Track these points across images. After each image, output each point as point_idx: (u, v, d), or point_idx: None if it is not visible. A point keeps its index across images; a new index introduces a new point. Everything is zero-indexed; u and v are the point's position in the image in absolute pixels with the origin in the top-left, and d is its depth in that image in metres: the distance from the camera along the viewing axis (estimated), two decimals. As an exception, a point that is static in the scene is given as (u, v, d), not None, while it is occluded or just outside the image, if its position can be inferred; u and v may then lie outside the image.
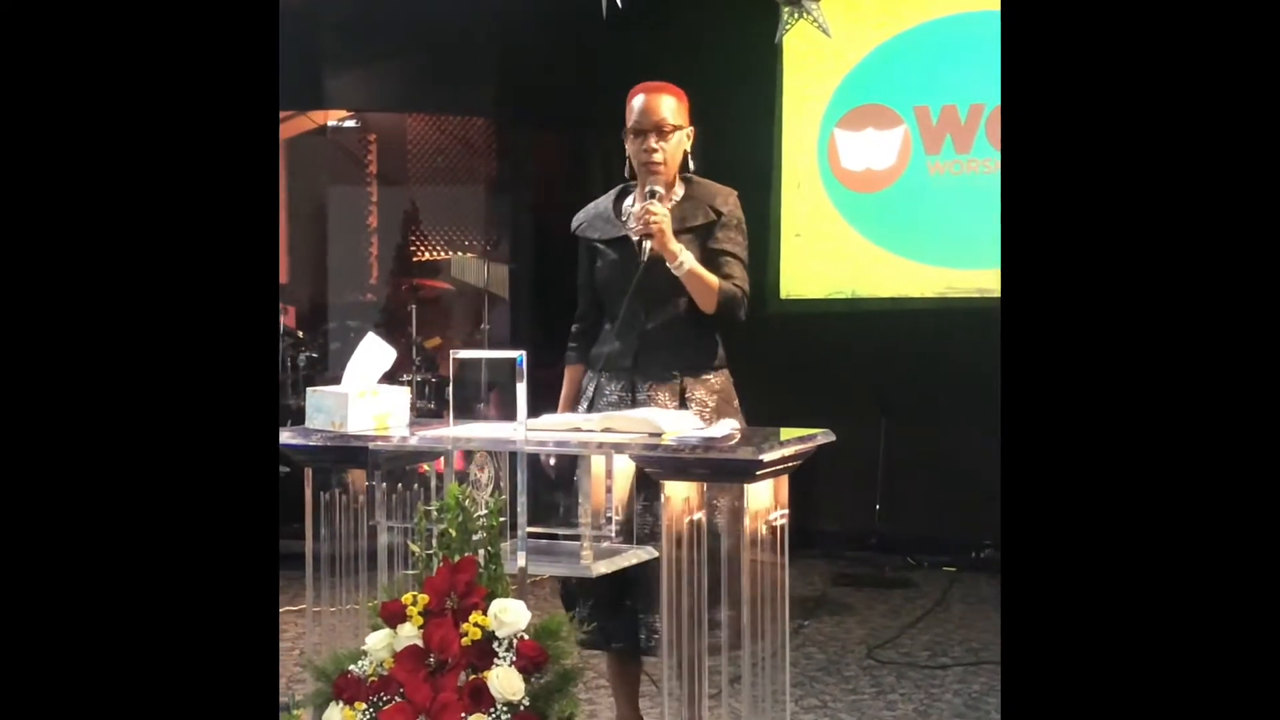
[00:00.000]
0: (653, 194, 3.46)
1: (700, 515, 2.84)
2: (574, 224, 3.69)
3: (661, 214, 3.40)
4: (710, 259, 3.49)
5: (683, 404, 3.43)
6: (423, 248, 8.62)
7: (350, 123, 8.87)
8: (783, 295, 7.17)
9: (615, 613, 3.38)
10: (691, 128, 3.56)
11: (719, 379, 3.52)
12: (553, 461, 3.32)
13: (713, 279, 3.45)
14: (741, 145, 6.82)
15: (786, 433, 3.01)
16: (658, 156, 3.49)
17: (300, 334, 7.49)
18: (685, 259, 3.41)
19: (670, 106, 3.50)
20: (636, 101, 3.52)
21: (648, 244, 3.41)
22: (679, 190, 3.57)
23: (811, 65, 7.10)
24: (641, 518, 3.24)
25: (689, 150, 3.57)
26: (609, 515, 3.04)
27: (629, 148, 3.54)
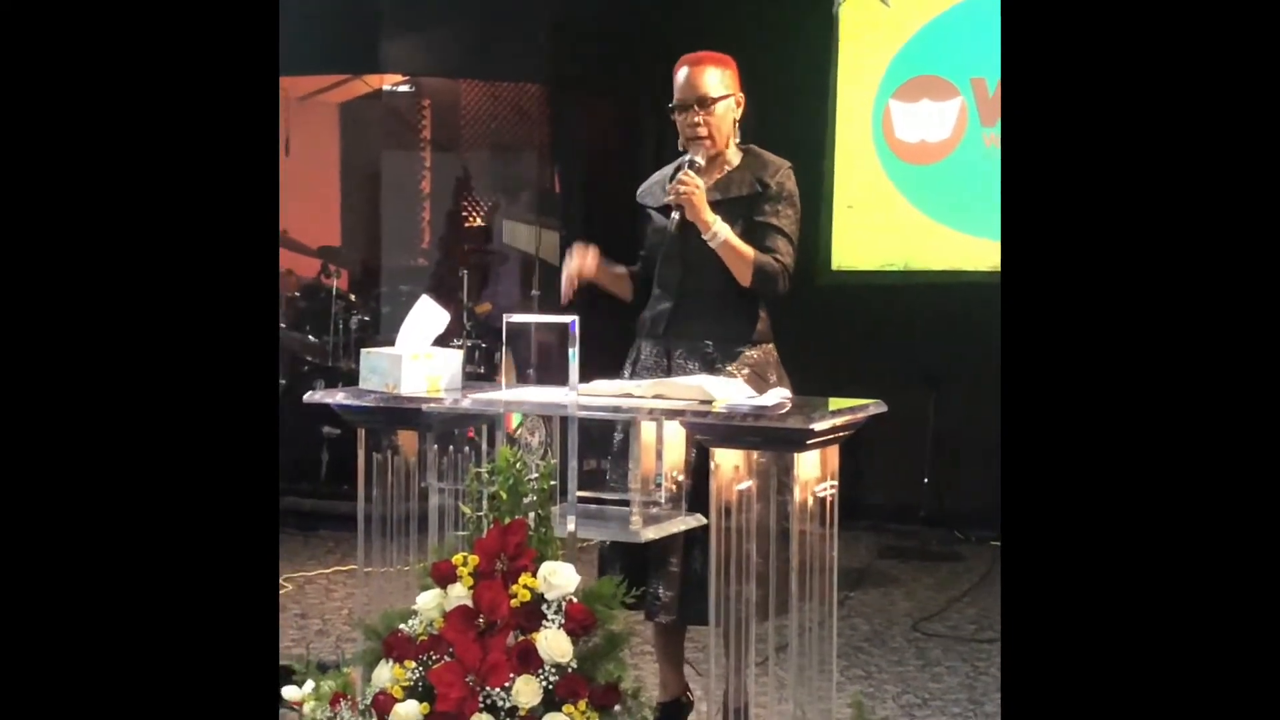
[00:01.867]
0: (692, 165, 3.47)
1: (750, 483, 2.85)
2: (639, 191, 3.72)
3: (695, 184, 3.40)
4: (754, 232, 3.48)
5: (711, 374, 3.42)
6: (474, 213, 8.65)
7: (405, 87, 8.89)
8: (834, 267, 7.15)
9: (649, 577, 3.39)
10: (740, 95, 3.55)
11: (757, 353, 3.49)
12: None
13: (748, 251, 3.43)
14: (795, 115, 6.79)
15: (837, 403, 3.01)
16: (701, 130, 3.49)
17: (353, 297, 7.54)
18: (720, 230, 3.41)
19: (714, 78, 3.49)
20: (680, 74, 3.51)
21: (677, 214, 3.42)
22: (734, 159, 3.57)
23: (868, 36, 7.06)
24: (691, 485, 3.25)
25: (737, 120, 3.56)
26: (658, 481, 3.05)
27: (677, 121, 3.54)
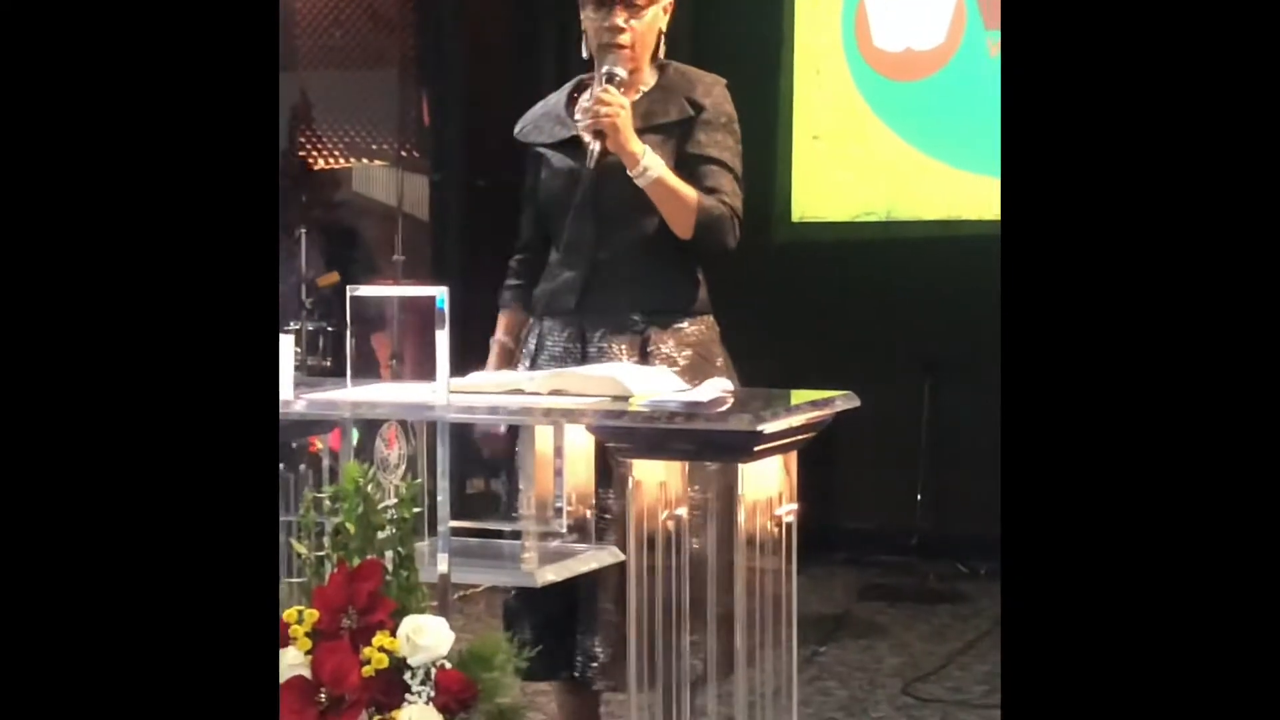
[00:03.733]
0: (611, 78, 3.46)
1: (681, 507, 2.85)
2: (517, 127, 3.71)
3: (619, 103, 3.40)
4: (688, 167, 3.49)
5: (644, 359, 3.43)
6: (316, 153, 8.59)
7: (218, -14, 8.82)
8: (795, 218, 7.19)
9: (567, 633, 3.40)
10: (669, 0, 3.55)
11: (697, 327, 3.52)
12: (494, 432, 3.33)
13: (689, 192, 3.45)
14: (742, 18, 6.81)
15: (796, 396, 3.03)
16: (624, 37, 3.48)
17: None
18: (651, 163, 3.41)
19: None
20: None
21: (597, 145, 3.41)
22: (649, 80, 3.58)
23: (834, -90, 7.10)
24: (601, 508, 3.25)
25: (663, 30, 3.55)
26: (559, 506, 3.06)
27: (586, 23, 3.53)
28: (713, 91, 3.56)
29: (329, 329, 7.01)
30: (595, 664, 3.35)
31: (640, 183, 3.42)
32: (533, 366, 3.54)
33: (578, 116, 3.54)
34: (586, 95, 3.56)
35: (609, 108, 3.39)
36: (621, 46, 3.49)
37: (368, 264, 7.84)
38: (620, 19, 3.48)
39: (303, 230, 7.19)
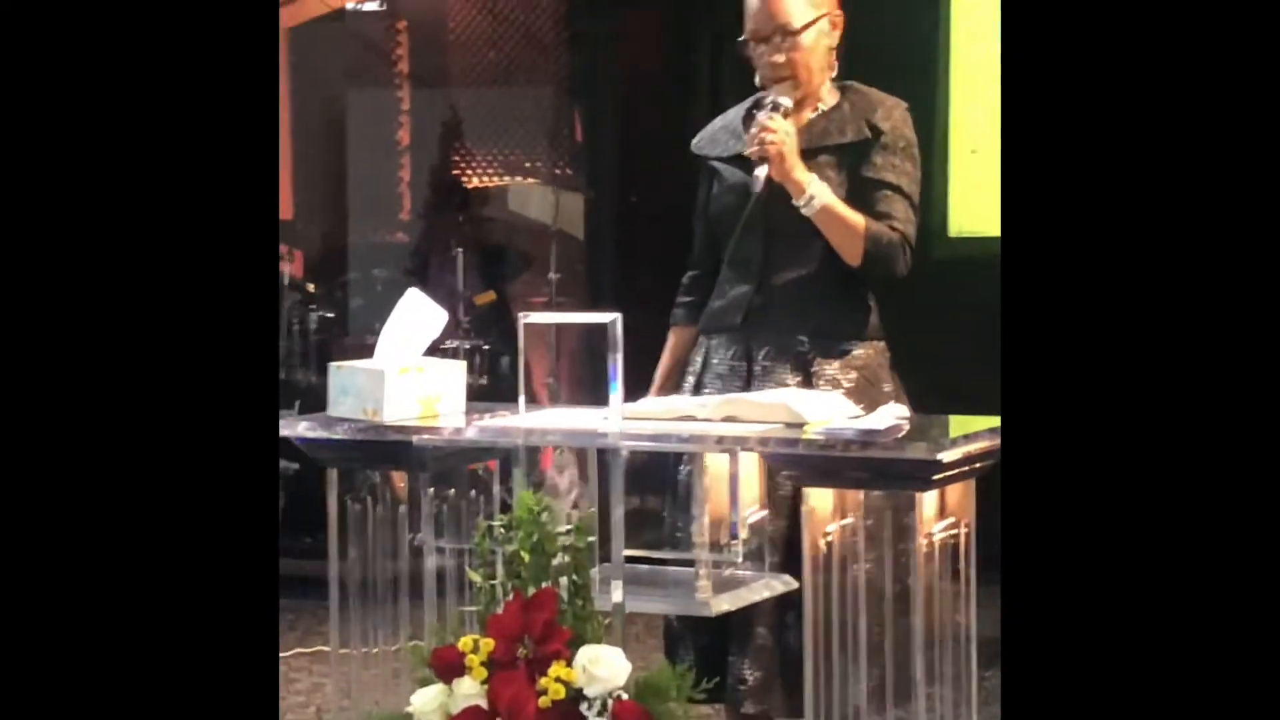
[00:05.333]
0: (776, 106, 3.44)
1: (855, 534, 2.83)
2: (695, 140, 3.71)
3: (783, 131, 3.38)
4: (862, 190, 3.47)
5: (808, 382, 3.42)
6: (471, 172, 8.65)
7: (373, 5, 8.91)
8: (952, 233, 7.12)
9: (726, 657, 3.38)
10: (837, 14, 3.52)
11: (864, 352, 3.50)
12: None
13: (858, 219, 3.42)
14: (898, 30, 6.76)
15: (968, 422, 2.98)
16: (784, 70, 3.47)
17: (311, 287, 7.55)
18: (817, 192, 3.39)
19: None
20: None
21: (762, 171, 3.39)
22: (828, 99, 3.56)
23: (992, -79, 7.03)
24: (774, 536, 3.24)
25: (833, 48, 3.53)
26: (734, 533, 3.04)
27: (751, 54, 3.52)
28: (893, 115, 3.53)
29: (485, 348, 7.05)
30: (744, 687, 3.32)
31: (806, 211, 3.40)
32: (698, 384, 3.53)
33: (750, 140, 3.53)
34: (763, 113, 3.53)
35: (774, 134, 3.37)
36: (784, 77, 3.48)
37: (523, 282, 7.88)
38: (780, 50, 3.46)
39: (459, 249, 7.23)
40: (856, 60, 3.64)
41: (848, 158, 3.49)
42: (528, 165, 8.48)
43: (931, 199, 7.01)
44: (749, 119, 3.58)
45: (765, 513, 3.17)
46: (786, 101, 3.46)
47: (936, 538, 2.86)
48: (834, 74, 3.57)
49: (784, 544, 3.22)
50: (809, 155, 3.44)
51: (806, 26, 3.46)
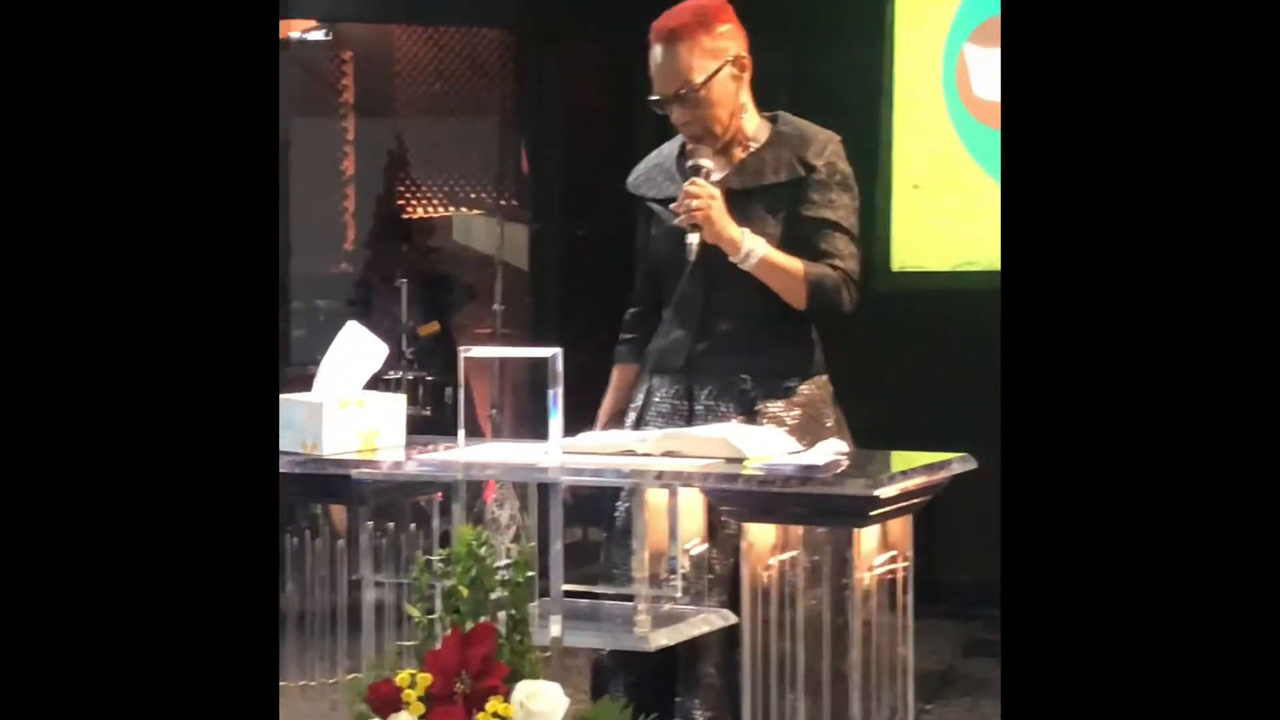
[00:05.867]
0: (697, 169, 3.42)
1: (794, 569, 2.83)
2: (630, 178, 3.69)
3: (708, 194, 3.36)
4: (802, 230, 3.46)
5: (751, 419, 3.40)
6: (416, 202, 8.64)
7: (318, 34, 8.89)
8: (894, 267, 7.14)
9: (664, 694, 3.37)
10: (741, 53, 3.48)
11: (808, 388, 3.49)
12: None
13: (796, 266, 3.41)
14: (838, 66, 6.79)
15: (907, 458, 3.00)
16: (693, 129, 3.47)
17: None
18: (752, 247, 3.37)
19: (694, 50, 3.42)
20: (653, 55, 3.47)
21: (694, 238, 3.37)
22: (758, 135, 3.54)
23: (935, -42, 7.09)
24: (707, 569, 3.24)
25: (746, 81, 3.50)
26: (672, 568, 3.04)
27: (666, 113, 3.52)
28: (826, 150, 3.50)
29: (428, 379, 7.02)
30: None
31: (745, 266, 3.39)
32: (640, 422, 3.52)
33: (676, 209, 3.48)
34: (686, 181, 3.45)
35: (699, 200, 3.35)
36: (697, 135, 3.48)
37: (467, 313, 7.87)
38: (687, 107, 3.45)
39: (403, 280, 7.21)
40: (799, 95, 3.65)
41: (784, 197, 3.48)
42: (473, 196, 8.47)
43: (874, 234, 7.05)
44: (683, 155, 3.56)
45: (706, 545, 3.17)
46: (706, 163, 3.43)
47: (875, 572, 2.86)
48: (758, 110, 3.55)
49: (726, 579, 3.22)
50: (744, 196, 3.44)
51: (707, 81, 3.43)
